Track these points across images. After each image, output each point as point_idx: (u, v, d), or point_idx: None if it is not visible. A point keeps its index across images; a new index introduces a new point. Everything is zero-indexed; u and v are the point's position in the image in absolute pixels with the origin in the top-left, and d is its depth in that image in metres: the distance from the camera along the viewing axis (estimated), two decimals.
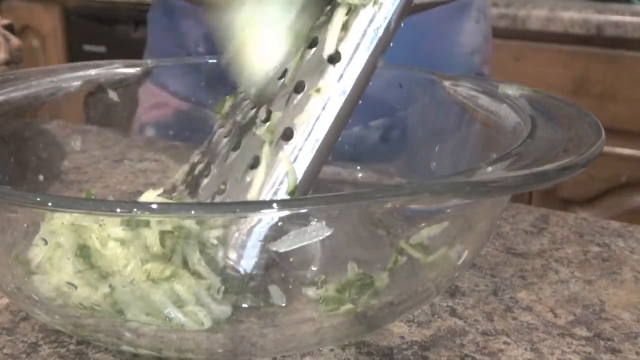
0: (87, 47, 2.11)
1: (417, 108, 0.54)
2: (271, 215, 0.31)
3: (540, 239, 0.51)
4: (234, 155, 0.41)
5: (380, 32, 0.37)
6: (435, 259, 0.36)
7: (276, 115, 0.39)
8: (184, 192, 0.44)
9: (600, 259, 0.48)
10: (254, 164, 0.38)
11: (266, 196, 0.37)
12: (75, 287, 0.34)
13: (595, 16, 1.33)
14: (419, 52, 0.70)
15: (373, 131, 0.62)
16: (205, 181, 0.42)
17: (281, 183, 0.37)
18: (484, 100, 0.45)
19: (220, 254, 0.34)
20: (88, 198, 0.45)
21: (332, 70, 0.37)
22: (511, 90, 0.43)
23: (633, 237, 0.51)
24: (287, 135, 0.38)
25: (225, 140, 0.43)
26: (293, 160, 0.37)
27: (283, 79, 0.40)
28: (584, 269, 0.47)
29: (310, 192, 0.38)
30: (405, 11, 0.38)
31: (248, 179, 0.38)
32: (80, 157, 0.58)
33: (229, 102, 0.46)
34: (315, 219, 0.31)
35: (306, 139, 0.37)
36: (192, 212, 0.30)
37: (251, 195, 0.37)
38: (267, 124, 0.39)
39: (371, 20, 0.37)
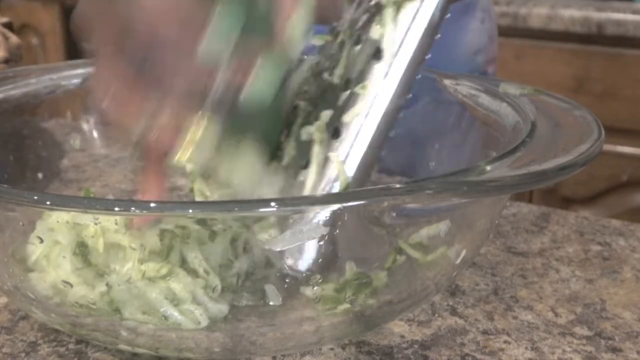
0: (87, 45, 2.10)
1: (417, 107, 0.54)
2: (278, 214, 0.31)
3: (540, 238, 0.51)
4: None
5: (425, 26, 0.37)
6: (434, 258, 0.36)
7: (325, 114, 0.38)
8: None
9: (601, 257, 0.48)
10: (306, 164, 0.38)
11: None
12: (71, 286, 0.34)
13: (596, 14, 1.32)
14: None
15: None
16: None
17: (335, 181, 0.36)
18: (484, 99, 0.45)
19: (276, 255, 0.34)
20: (86, 197, 0.45)
21: (378, 67, 0.37)
22: (511, 89, 0.43)
23: (634, 236, 0.51)
24: (336, 133, 0.37)
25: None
26: (343, 159, 0.36)
27: (332, 77, 0.39)
28: (584, 268, 0.46)
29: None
30: (449, 2, 0.37)
31: (301, 179, 0.38)
32: (80, 156, 0.58)
33: None
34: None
35: (355, 136, 0.37)
36: (190, 211, 0.30)
37: None
38: (317, 123, 0.38)
39: (415, 15, 0.37)
